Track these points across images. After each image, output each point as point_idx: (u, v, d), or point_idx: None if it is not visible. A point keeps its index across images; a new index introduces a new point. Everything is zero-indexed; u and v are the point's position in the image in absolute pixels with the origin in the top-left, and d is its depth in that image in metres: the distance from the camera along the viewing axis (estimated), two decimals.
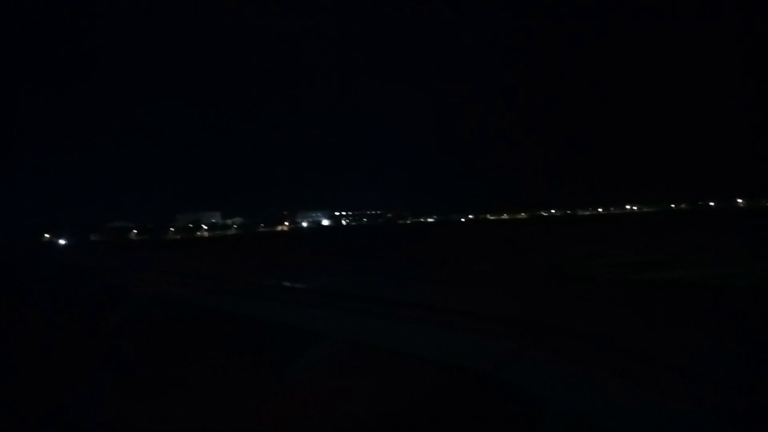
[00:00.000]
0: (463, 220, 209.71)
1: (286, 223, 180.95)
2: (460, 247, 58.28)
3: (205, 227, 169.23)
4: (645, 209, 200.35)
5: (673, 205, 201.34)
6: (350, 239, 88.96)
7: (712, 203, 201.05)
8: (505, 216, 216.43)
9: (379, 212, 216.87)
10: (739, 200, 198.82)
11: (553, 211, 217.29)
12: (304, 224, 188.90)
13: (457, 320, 7.45)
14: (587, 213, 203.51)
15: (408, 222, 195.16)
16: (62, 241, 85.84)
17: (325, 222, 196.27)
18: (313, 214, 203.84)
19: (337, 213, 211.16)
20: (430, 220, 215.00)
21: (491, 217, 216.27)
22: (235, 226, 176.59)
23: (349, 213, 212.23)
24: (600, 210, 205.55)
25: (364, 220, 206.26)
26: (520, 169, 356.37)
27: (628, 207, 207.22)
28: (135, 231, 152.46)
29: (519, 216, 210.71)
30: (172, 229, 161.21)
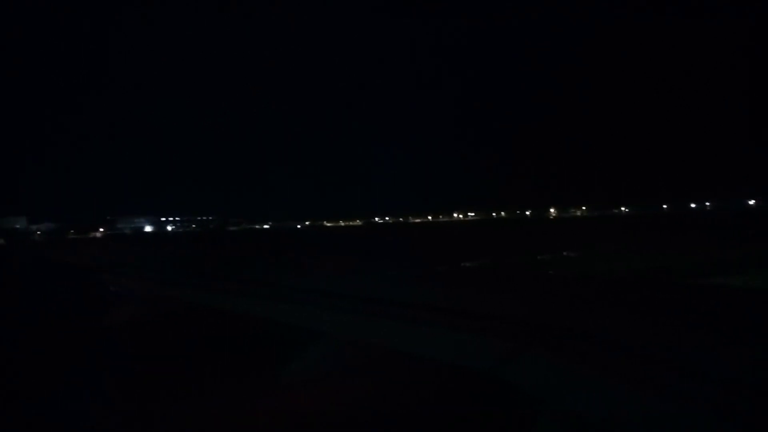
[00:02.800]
0: (299, 226, 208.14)
1: (101, 230, 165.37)
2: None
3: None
4: (469, 217, 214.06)
5: (494, 214, 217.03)
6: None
7: (527, 212, 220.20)
8: (341, 223, 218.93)
9: (210, 218, 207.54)
10: (552, 210, 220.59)
11: (387, 218, 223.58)
12: (126, 231, 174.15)
13: None
14: (418, 220, 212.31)
15: (238, 228, 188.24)
16: None
17: (148, 228, 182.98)
18: (137, 220, 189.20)
19: (164, 219, 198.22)
20: (265, 226, 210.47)
21: (328, 224, 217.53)
22: (38, 232, 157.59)
23: (178, 219, 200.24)
24: (429, 218, 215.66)
25: (193, 226, 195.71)
26: (359, 177, 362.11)
27: (455, 215, 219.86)
28: None
29: (354, 223, 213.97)
30: None
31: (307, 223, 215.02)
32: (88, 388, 10.32)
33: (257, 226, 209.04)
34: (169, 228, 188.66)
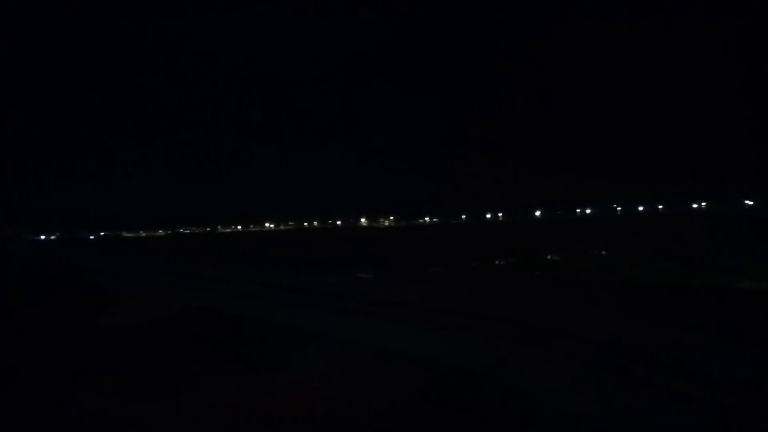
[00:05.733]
0: (92, 237, 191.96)
1: None
2: None
3: None
4: (281, 227, 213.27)
5: (306, 224, 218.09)
6: None
7: (354, 222, 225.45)
8: (142, 233, 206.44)
9: None
10: (386, 221, 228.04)
11: (194, 228, 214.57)
12: None
13: None
14: (228, 230, 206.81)
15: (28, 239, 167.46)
16: None
17: None
18: None
19: None
20: (52, 237, 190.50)
21: (128, 234, 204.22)
22: None
23: None
24: (240, 227, 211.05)
25: None
26: (157, 185, 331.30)
27: (267, 225, 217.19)
28: None
29: (157, 233, 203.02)
30: None
31: (102, 233, 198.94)
32: None
33: (42, 237, 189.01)
34: None
